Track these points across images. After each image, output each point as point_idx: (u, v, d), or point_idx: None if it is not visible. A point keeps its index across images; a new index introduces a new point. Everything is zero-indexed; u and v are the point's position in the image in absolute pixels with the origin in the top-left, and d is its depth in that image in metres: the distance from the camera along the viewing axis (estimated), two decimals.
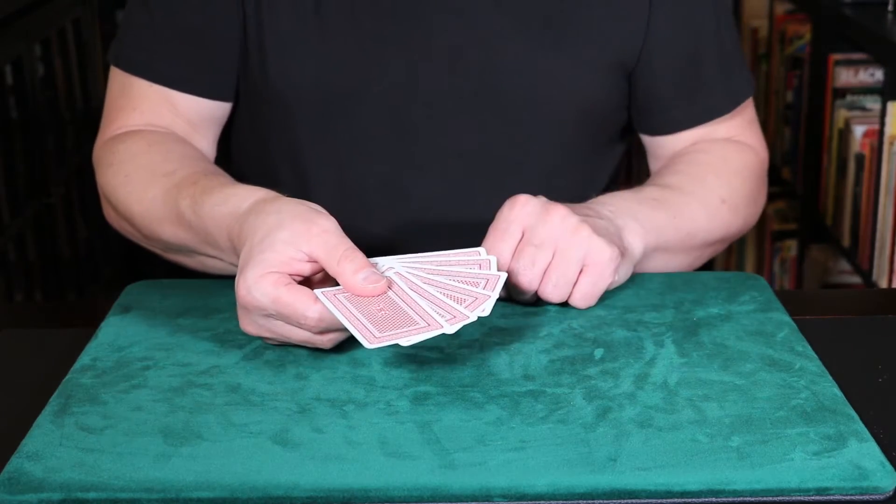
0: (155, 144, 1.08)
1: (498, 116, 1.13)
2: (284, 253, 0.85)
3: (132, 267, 2.75)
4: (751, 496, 0.74)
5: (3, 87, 2.15)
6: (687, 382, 0.86)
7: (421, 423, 0.80)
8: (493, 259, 0.90)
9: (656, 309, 0.98)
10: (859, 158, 2.27)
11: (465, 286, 0.87)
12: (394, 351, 0.88)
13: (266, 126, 1.16)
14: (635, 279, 1.03)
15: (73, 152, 2.44)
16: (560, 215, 0.93)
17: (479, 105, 1.12)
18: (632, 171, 2.72)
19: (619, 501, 0.74)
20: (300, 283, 0.87)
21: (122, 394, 0.84)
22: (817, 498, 0.74)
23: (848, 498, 0.75)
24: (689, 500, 0.74)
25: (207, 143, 1.15)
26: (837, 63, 2.41)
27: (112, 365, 0.89)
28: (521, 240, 0.94)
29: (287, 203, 0.89)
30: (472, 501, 0.74)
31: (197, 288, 1.02)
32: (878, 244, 2.17)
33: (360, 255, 0.86)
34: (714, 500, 0.74)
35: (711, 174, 1.13)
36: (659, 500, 0.74)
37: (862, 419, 0.81)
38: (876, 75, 2.39)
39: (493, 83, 1.12)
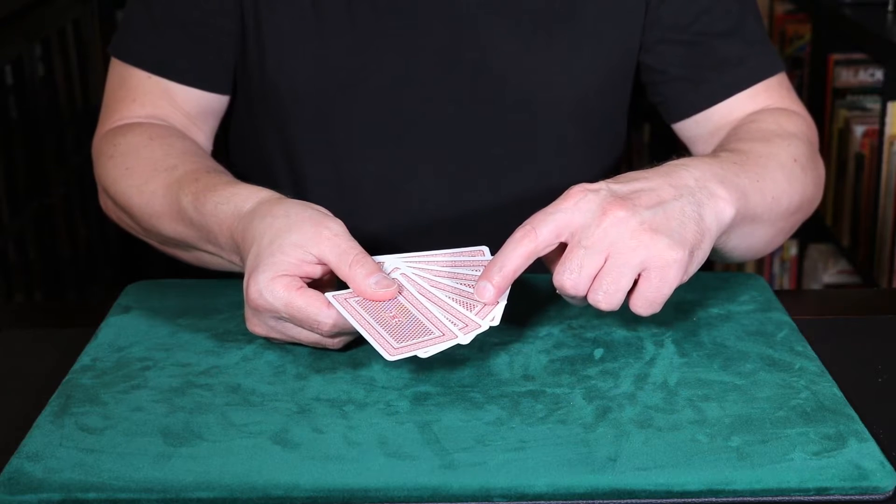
0: (156, 138, 1.08)
1: (493, 114, 1.13)
2: (294, 255, 0.86)
3: (132, 267, 2.75)
4: (751, 496, 0.74)
5: (4, 87, 2.15)
6: (687, 382, 0.86)
7: (421, 424, 0.80)
8: None
9: None
10: (859, 158, 2.27)
11: (473, 290, 0.87)
12: None
13: (262, 122, 1.17)
14: None
15: (73, 152, 2.44)
16: (617, 217, 0.84)
17: (475, 102, 1.12)
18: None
19: (619, 501, 0.74)
20: (310, 284, 0.87)
21: (122, 394, 0.84)
22: (817, 498, 0.74)
23: (848, 498, 0.75)
24: (689, 500, 0.74)
25: (204, 137, 1.16)
26: (837, 63, 2.42)
27: (112, 365, 0.89)
28: (566, 233, 0.86)
29: (294, 206, 0.90)
30: (472, 501, 0.74)
31: (197, 288, 1.02)
32: (878, 244, 2.17)
33: (370, 259, 0.86)
34: (714, 500, 0.74)
35: (775, 136, 1.07)
36: (659, 500, 0.74)
37: (862, 419, 0.81)
38: (876, 75, 2.39)
39: (488, 81, 1.12)
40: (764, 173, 0.99)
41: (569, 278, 0.85)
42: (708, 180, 0.91)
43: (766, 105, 1.15)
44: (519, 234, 0.85)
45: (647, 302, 0.85)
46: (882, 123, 2.12)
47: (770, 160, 1.02)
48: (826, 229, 2.47)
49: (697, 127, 1.16)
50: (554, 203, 0.86)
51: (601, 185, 0.87)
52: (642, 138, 3.14)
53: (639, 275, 0.85)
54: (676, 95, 1.16)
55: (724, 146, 1.07)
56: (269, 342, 0.91)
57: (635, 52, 1.15)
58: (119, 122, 1.12)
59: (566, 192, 0.86)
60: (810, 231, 2.57)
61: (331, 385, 0.86)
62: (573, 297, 0.87)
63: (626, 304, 0.87)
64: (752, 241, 1.01)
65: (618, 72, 1.16)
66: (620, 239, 0.84)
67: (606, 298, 0.85)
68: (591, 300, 0.85)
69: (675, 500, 0.74)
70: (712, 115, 1.15)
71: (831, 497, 0.74)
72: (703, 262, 0.89)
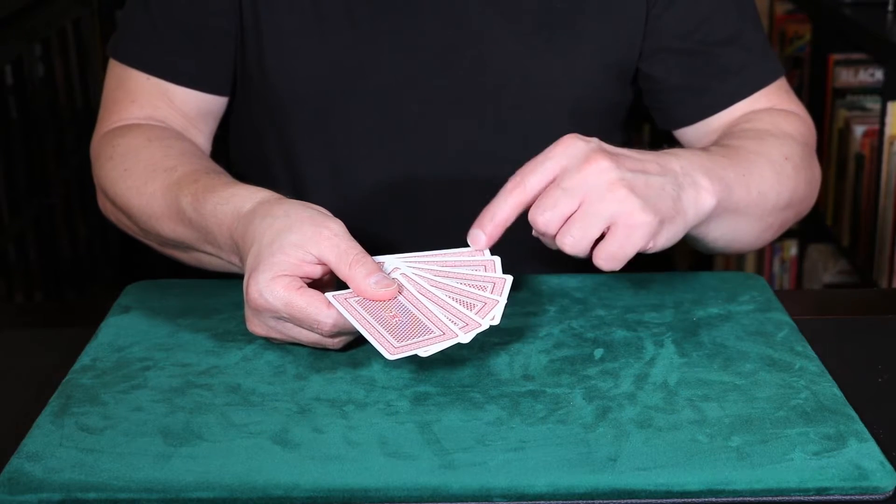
0: (155, 139, 1.08)
1: (492, 114, 1.13)
2: (294, 255, 0.86)
3: (132, 267, 2.75)
4: (751, 496, 0.74)
5: (3, 87, 2.15)
6: (687, 382, 0.86)
7: (421, 423, 0.80)
8: (497, 259, 0.90)
9: (656, 309, 0.98)
10: (859, 158, 2.27)
11: (473, 290, 0.87)
12: None
13: (261, 122, 1.17)
14: (635, 279, 1.03)
15: (73, 152, 2.44)
16: (600, 167, 0.87)
17: (474, 102, 1.12)
18: None
19: (619, 501, 0.74)
20: (310, 285, 0.87)
21: (122, 394, 0.84)
22: (817, 498, 0.74)
23: (848, 498, 0.75)
24: (689, 500, 0.74)
25: (203, 138, 1.16)
26: (837, 63, 2.42)
27: (112, 365, 0.89)
28: (554, 178, 0.89)
29: (294, 206, 0.90)
30: (472, 501, 0.74)
31: (197, 288, 1.02)
32: (878, 244, 2.17)
33: (370, 258, 0.87)
34: (714, 500, 0.74)
35: (769, 135, 1.09)
36: (659, 500, 0.74)
37: (862, 419, 0.81)
38: (876, 75, 2.39)
39: (486, 81, 1.12)
40: (751, 168, 1.01)
41: (541, 215, 0.87)
42: (694, 170, 0.94)
43: (766, 106, 1.15)
44: (510, 185, 0.89)
45: (610, 255, 0.87)
46: (882, 123, 2.12)
47: (759, 156, 1.04)
48: (826, 229, 2.47)
49: (696, 132, 1.17)
50: (545, 151, 0.89)
51: (594, 139, 0.90)
52: (642, 138, 3.15)
53: (607, 228, 0.87)
54: (677, 104, 1.16)
55: (717, 142, 1.09)
56: (269, 342, 0.91)
57: (636, 54, 1.15)
58: (118, 124, 1.12)
59: (559, 139, 0.89)
60: (810, 231, 2.57)
61: (331, 385, 0.86)
62: (543, 235, 0.89)
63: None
64: (737, 234, 1.03)
65: (618, 73, 1.15)
66: (597, 187, 0.86)
67: (573, 243, 0.87)
68: (558, 242, 0.88)
69: (675, 500, 0.74)
70: (712, 122, 1.15)
71: (831, 497, 0.74)
72: (673, 241, 0.91)
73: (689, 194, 0.92)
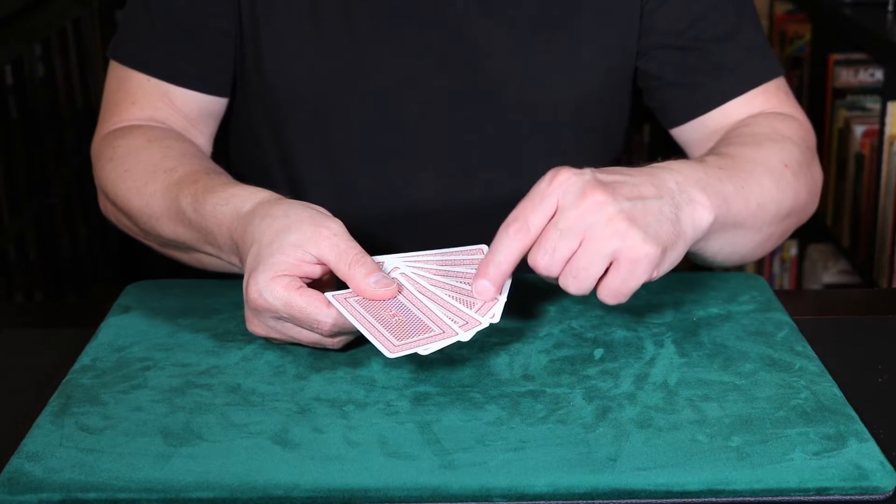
0: (155, 140, 1.08)
1: (490, 117, 1.13)
2: (294, 255, 0.86)
3: (132, 267, 2.75)
4: (751, 496, 0.74)
5: (3, 87, 2.15)
6: (687, 382, 0.86)
7: (421, 423, 0.80)
8: None
9: (656, 309, 0.98)
10: (859, 158, 2.27)
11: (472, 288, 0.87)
12: None
13: (259, 124, 1.17)
14: None
15: (73, 152, 2.44)
16: (596, 202, 0.84)
17: (472, 105, 1.12)
18: None
19: (619, 501, 0.74)
20: (310, 285, 0.87)
21: (122, 394, 0.84)
22: (817, 498, 0.74)
23: (848, 498, 0.75)
24: (689, 500, 0.74)
25: (204, 139, 1.16)
26: (837, 63, 2.42)
27: (112, 365, 0.89)
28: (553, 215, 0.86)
29: (294, 206, 0.90)
30: (472, 501, 0.74)
31: (197, 288, 1.02)
32: (878, 244, 2.18)
33: (369, 258, 0.87)
34: (714, 500, 0.74)
35: (767, 140, 1.06)
36: (659, 500, 0.74)
37: (862, 419, 0.81)
38: (876, 75, 2.39)
39: (484, 84, 1.12)
40: (749, 179, 0.99)
41: (542, 259, 0.85)
42: (689, 185, 0.91)
43: (763, 109, 1.14)
44: (512, 229, 0.85)
45: (613, 292, 0.85)
46: (882, 123, 2.12)
47: (758, 165, 1.01)
48: (826, 229, 2.47)
49: (694, 132, 1.16)
50: (540, 188, 0.86)
51: (586, 170, 0.87)
52: (642, 138, 3.15)
53: (610, 263, 0.85)
54: (672, 101, 1.16)
55: (714, 150, 1.06)
56: (269, 342, 0.91)
57: (633, 52, 1.15)
58: (118, 125, 1.12)
59: (551, 173, 0.86)
60: (810, 231, 2.57)
61: (331, 385, 0.86)
62: (546, 278, 0.87)
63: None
64: (736, 247, 1.01)
65: (616, 74, 1.15)
66: (597, 224, 0.84)
67: (576, 283, 0.85)
68: (561, 283, 0.85)
69: (675, 500, 0.74)
70: (708, 121, 1.14)
71: (831, 497, 0.74)
72: (675, 263, 0.89)
73: (686, 213, 0.89)
